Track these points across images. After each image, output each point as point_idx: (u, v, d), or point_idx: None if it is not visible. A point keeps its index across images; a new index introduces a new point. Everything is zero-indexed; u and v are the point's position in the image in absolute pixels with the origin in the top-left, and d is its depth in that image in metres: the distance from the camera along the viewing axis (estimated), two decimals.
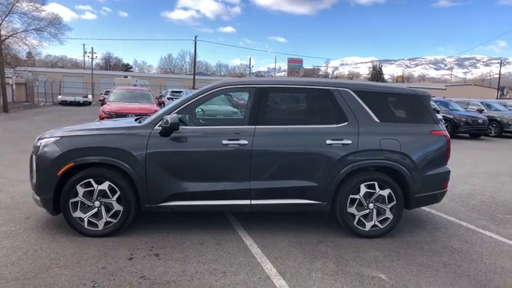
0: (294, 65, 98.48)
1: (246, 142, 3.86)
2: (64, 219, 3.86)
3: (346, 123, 4.03)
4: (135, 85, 38.50)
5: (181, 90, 23.16)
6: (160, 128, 3.83)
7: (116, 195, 3.81)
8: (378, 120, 4.07)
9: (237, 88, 4.24)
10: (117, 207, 3.83)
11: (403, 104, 4.28)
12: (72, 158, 3.75)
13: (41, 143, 3.91)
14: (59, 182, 3.77)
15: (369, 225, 4.03)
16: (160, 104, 12.81)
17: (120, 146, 3.79)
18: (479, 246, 3.98)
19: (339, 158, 3.91)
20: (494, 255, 3.74)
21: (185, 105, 3.99)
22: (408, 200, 4.08)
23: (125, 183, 3.81)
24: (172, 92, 22.10)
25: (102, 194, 3.82)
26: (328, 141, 3.93)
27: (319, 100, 4.15)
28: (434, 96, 16.00)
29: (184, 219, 4.36)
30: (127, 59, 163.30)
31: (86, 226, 3.84)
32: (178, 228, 4.14)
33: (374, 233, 4.04)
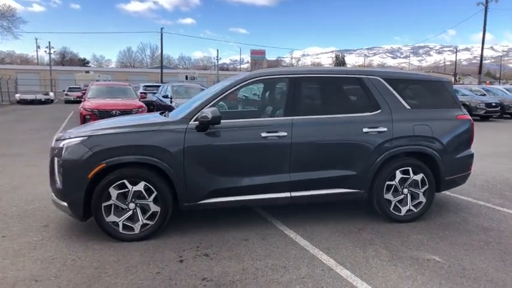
0: (257, 57, 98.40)
1: (285, 134, 3.78)
2: (87, 225, 3.62)
3: (379, 110, 4.05)
4: (97, 80, 36.95)
5: (159, 84, 22.39)
6: (196, 122, 3.66)
7: (153, 196, 3.61)
8: (408, 107, 4.13)
9: (271, 79, 4.13)
10: (154, 208, 3.64)
11: (429, 90, 4.37)
12: (103, 158, 3.50)
13: (64, 144, 3.62)
14: (89, 185, 3.51)
15: (404, 210, 4.10)
16: (143, 99, 12.33)
17: (156, 143, 3.59)
18: (506, 223, 4.18)
19: (376, 146, 3.93)
20: None
21: (219, 98, 3.83)
22: (439, 183, 4.19)
23: (162, 182, 3.62)
24: (146, 86, 21.38)
25: (137, 195, 3.61)
26: (364, 130, 3.94)
27: (352, 89, 4.14)
28: None
29: (214, 217, 4.23)
30: (83, 54, 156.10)
31: (120, 230, 3.62)
32: (213, 226, 4.01)
33: (409, 217, 4.12)
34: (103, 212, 3.56)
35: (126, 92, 12.37)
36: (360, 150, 3.93)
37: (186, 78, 52.72)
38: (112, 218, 3.60)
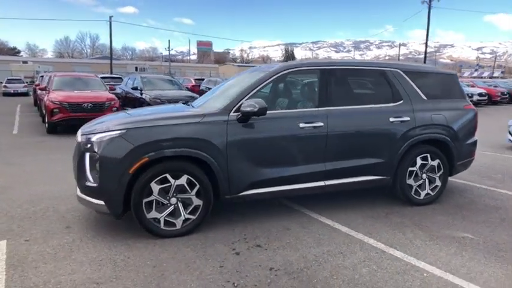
0: (204, 48, 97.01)
1: (322, 124, 3.87)
2: (114, 223, 3.45)
3: (401, 101, 4.28)
4: (37, 71, 34.11)
5: (115, 75, 21.18)
6: (237, 113, 3.61)
7: (195, 189, 3.52)
8: (425, 98, 4.41)
9: (305, 70, 4.15)
10: (196, 202, 3.55)
11: (441, 82, 4.68)
12: (146, 152, 3.34)
13: (98, 139, 3.39)
14: (130, 181, 3.34)
15: (423, 194, 4.40)
16: (112, 91, 11.69)
17: (200, 135, 3.50)
18: (508, 202, 4.64)
19: (401, 135, 4.16)
20: None
21: (256, 90, 3.79)
22: (451, 168, 4.55)
23: (204, 175, 3.54)
24: (102, 78, 20.12)
25: (180, 189, 3.49)
26: (391, 119, 4.15)
27: (377, 80, 4.32)
28: None
29: (242, 209, 4.21)
30: (14, 43, 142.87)
31: (162, 227, 3.49)
32: (247, 217, 4.00)
33: (427, 200, 4.43)
34: (144, 208, 3.41)
35: (94, 83, 11.63)
36: (387, 139, 4.14)
37: (136, 69, 50.55)
38: (153, 214, 3.45)
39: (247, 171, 3.67)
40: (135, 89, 12.59)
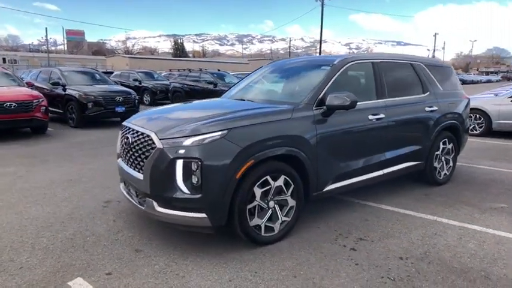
0: (75, 38, 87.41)
1: (383, 116, 4.04)
2: (183, 239, 3.08)
3: (428, 92, 4.74)
4: None
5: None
6: (322, 107, 3.52)
7: (290, 189, 3.34)
8: (441, 89, 4.97)
9: (361, 63, 4.19)
10: (291, 202, 3.37)
11: (447, 74, 5.30)
12: (251, 154, 3.02)
13: (195, 142, 2.91)
14: (236, 187, 2.99)
15: (442, 174, 4.99)
16: (30, 87, 9.76)
17: (295, 132, 3.32)
18: (500, 175, 5.48)
19: (434, 122, 4.63)
20: None
21: (329, 84, 3.72)
22: (458, 150, 5.25)
23: (296, 174, 3.38)
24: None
25: (278, 191, 3.27)
26: (426, 109, 4.57)
27: (410, 73, 4.67)
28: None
29: (308, 207, 4.15)
30: None
31: (263, 234, 3.22)
32: (318, 215, 3.96)
33: (445, 179, 5.03)
34: (247, 215, 3.10)
35: (8, 78, 9.58)
36: (425, 127, 4.56)
37: (4, 61, 42.83)
38: (255, 221, 3.16)
39: (331, 166, 3.63)
40: (55, 84, 10.81)
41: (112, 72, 20.86)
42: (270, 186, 3.19)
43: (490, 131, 9.26)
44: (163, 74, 21.03)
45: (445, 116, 4.82)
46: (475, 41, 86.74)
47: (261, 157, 3.07)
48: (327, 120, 3.57)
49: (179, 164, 2.93)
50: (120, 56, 59.83)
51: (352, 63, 4.05)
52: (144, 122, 3.51)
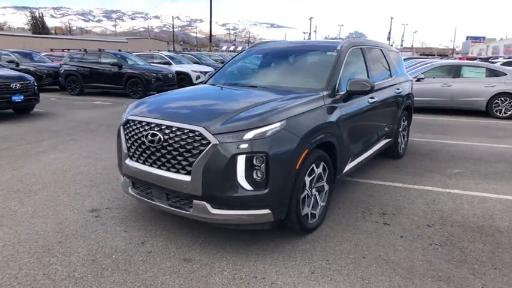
0: None
1: (376, 99, 4.37)
2: (229, 238, 2.99)
3: (394, 76, 5.28)
4: None
5: None
6: (341, 92, 3.63)
7: (326, 175, 3.40)
8: (399, 72, 5.58)
9: (356, 49, 4.34)
10: (326, 187, 3.43)
11: (400, 59, 5.88)
12: (306, 143, 2.97)
13: (257, 135, 2.70)
14: (295, 179, 2.91)
15: (401, 148, 5.68)
16: None
17: (332, 119, 3.38)
18: (456, 148, 6.41)
19: (399, 103, 5.22)
20: None
21: (342, 69, 3.82)
22: (409, 127, 6.02)
23: (329, 159, 3.45)
24: None
25: (318, 177, 3.29)
26: (396, 91, 5.10)
27: (382, 58, 5.08)
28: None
29: None
30: None
31: (309, 221, 3.24)
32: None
33: (403, 153, 5.73)
34: (301, 205, 3.06)
35: None
36: (395, 108, 5.13)
37: None
38: (306, 210, 3.15)
39: (348, 148, 3.81)
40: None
41: None
42: (314, 174, 3.19)
43: None
44: (43, 55, 17.97)
45: (407, 96, 5.46)
46: (342, 25, 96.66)
47: (312, 146, 3.03)
48: (346, 105, 3.70)
49: (241, 160, 2.68)
50: None
51: (352, 48, 4.23)
52: (168, 113, 3.05)
